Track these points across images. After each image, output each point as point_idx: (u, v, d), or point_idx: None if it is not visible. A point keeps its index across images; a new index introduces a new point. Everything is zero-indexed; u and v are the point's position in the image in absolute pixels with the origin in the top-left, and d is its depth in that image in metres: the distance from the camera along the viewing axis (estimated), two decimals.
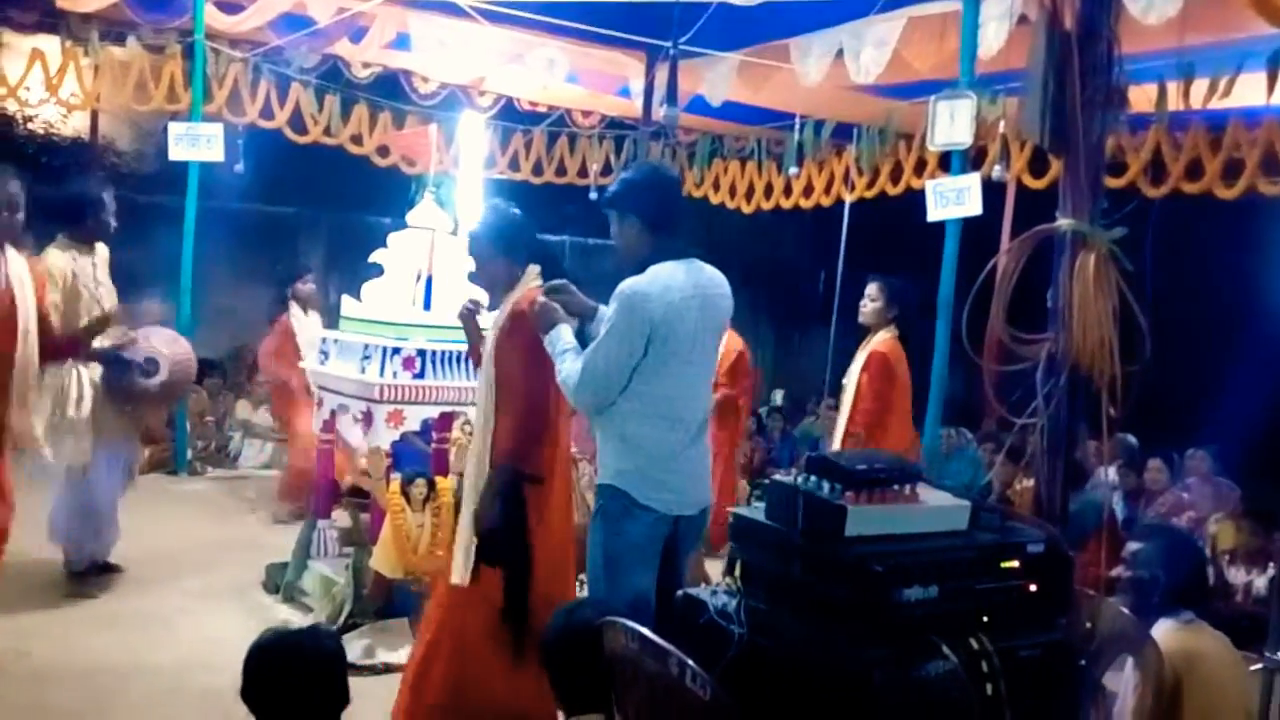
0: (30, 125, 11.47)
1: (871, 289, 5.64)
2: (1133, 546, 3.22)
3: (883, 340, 5.56)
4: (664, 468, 3.38)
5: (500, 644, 3.71)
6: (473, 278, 4.00)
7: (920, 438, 6.05)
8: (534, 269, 3.83)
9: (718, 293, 3.51)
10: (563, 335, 3.47)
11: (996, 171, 6.96)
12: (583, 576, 5.26)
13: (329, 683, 2.59)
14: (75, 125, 11.09)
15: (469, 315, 4.01)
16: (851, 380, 5.67)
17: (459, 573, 3.73)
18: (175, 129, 7.74)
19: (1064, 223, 2.85)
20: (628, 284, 3.33)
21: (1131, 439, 7.55)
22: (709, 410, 3.63)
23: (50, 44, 8.35)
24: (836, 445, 5.63)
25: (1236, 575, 5.68)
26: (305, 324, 7.24)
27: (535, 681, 3.69)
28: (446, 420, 5.34)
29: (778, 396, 11.91)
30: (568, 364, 3.39)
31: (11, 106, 9.82)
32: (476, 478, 3.76)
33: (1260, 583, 5.54)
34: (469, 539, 3.72)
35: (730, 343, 7.11)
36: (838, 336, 8.38)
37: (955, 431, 8.04)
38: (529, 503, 3.69)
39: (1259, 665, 3.10)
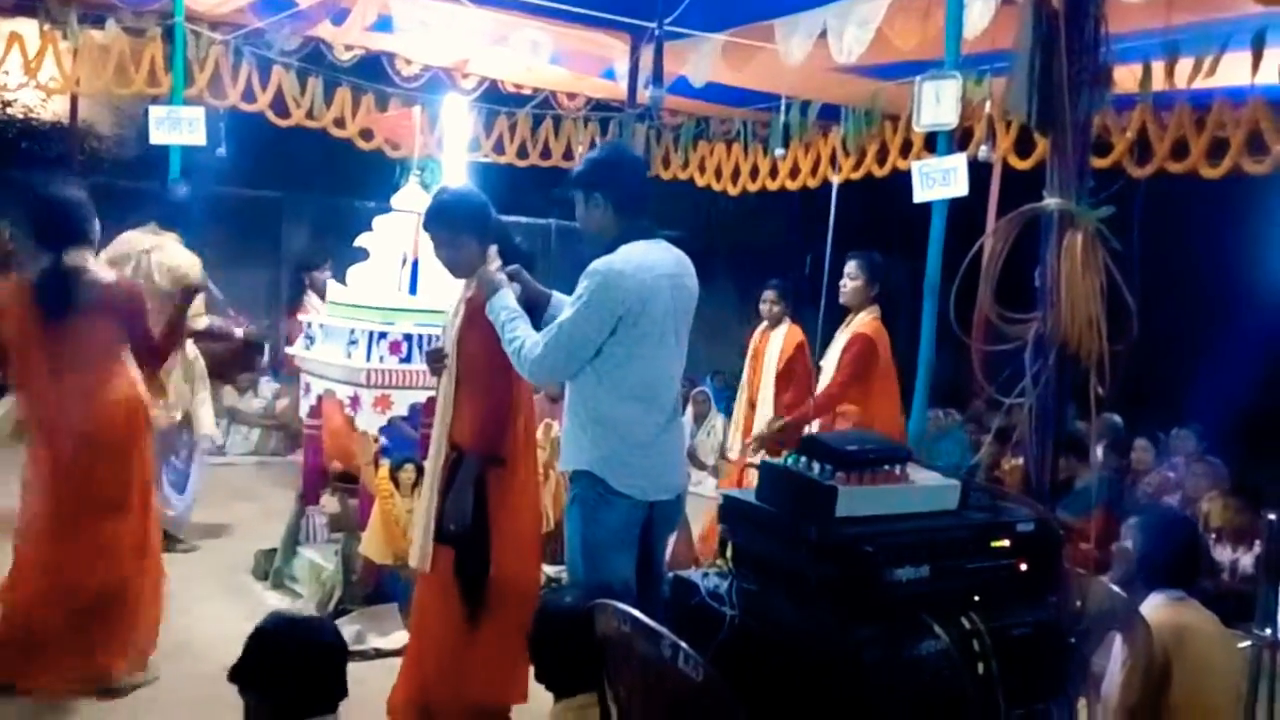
0: (9, 110, 11.36)
1: (850, 267, 5.46)
2: (1129, 523, 3.25)
3: (865, 322, 5.41)
4: (639, 453, 3.38)
5: (456, 623, 3.70)
6: (440, 256, 3.89)
7: (907, 421, 6.00)
8: (493, 250, 3.77)
9: (687, 275, 3.52)
10: (507, 301, 3.46)
11: (983, 152, 6.94)
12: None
13: (333, 671, 2.59)
14: (55, 109, 10.99)
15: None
16: (830, 364, 5.49)
17: (419, 557, 3.74)
18: (156, 112, 7.65)
19: (1051, 202, 2.85)
20: (602, 261, 3.34)
21: (1116, 418, 7.58)
22: (680, 395, 3.64)
23: (28, 27, 8.24)
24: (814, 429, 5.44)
25: (1223, 553, 5.72)
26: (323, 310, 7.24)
27: (495, 660, 3.73)
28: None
29: None
30: (520, 331, 3.39)
31: None
32: (435, 462, 3.75)
33: (1246, 560, 5.58)
34: (428, 522, 3.70)
35: (791, 335, 6.84)
36: (826, 317, 8.36)
37: (944, 413, 8.05)
38: (491, 484, 3.66)
39: (1247, 642, 3.12)
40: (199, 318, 5.78)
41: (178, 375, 5.81)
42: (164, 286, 5.61)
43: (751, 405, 7.14)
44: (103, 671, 4.09)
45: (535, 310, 3.59)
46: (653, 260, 3.40)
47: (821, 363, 5.65)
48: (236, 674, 2.57)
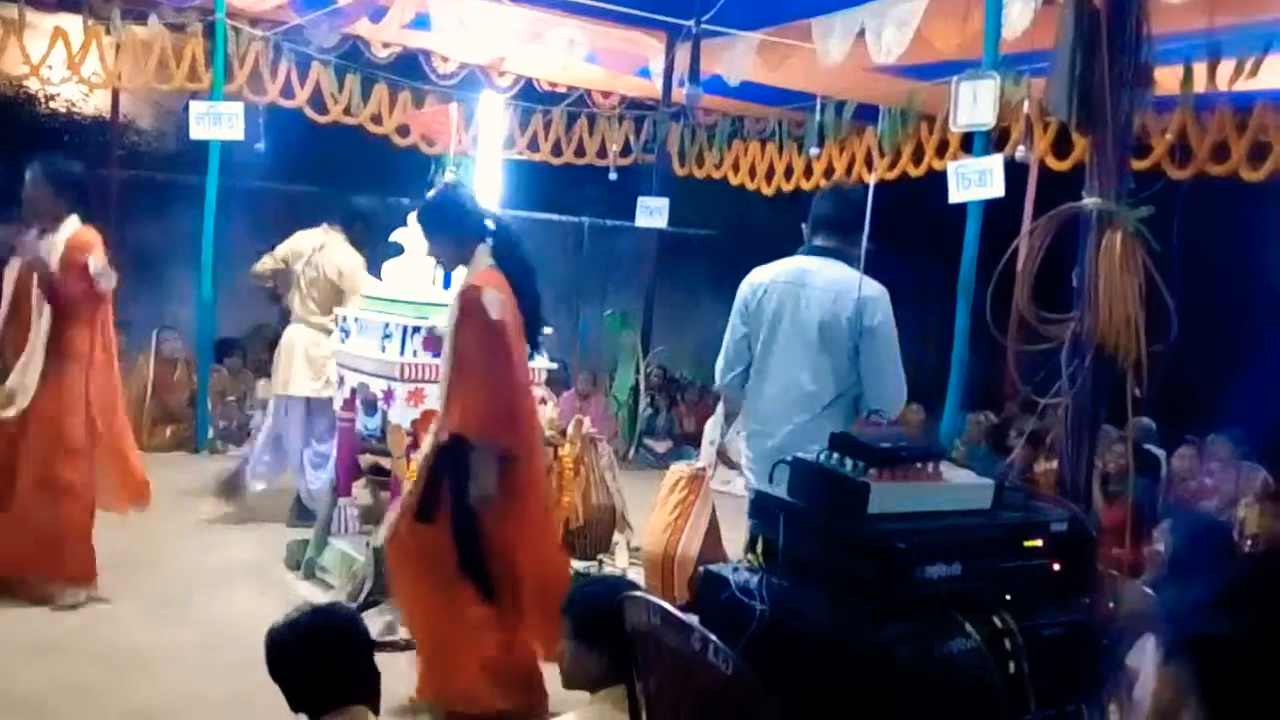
0: (52, 104, 11.48)
1: None
2: (1161, 526, 3.22)
3: None
4: (764, 443, 3.68)
5: (462, 613, 3.81)
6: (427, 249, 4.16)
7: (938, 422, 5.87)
8: (483, 248, 3.91)
9: (834, 288, 3.66)
10: None
11: (1020, 152, 6.90)
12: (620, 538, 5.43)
13: (354, 661, 2.62)
14: (96, 104, 11.10)
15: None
16: None
17: (383, 532, 4.07)
18: (196, 108, 7.76)
19: (1090, 201, 2.82)
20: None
21: (1148, 422, 7.48)
22: (820, 402, 3.73)
23: (72, 22, 8.37)
24: None
25: None
26: None
27: (515, 650, 3.85)
28: None
29: None
30: None
31: (34, 85, 9.87)
32: (427, 444, 3.97)
33: None
34: (406, 501, 3.97)
35: None
36: None
37: (985, 416, 7.99)
38: (503, 481, 3.74)
39: None
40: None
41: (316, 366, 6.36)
42: (333, 279, 6.35)
43: None
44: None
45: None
46: (791, 268, 3.76)
47: None
48: (269, 667, 2.62)
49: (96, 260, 4.71)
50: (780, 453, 3.52)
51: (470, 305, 3.76)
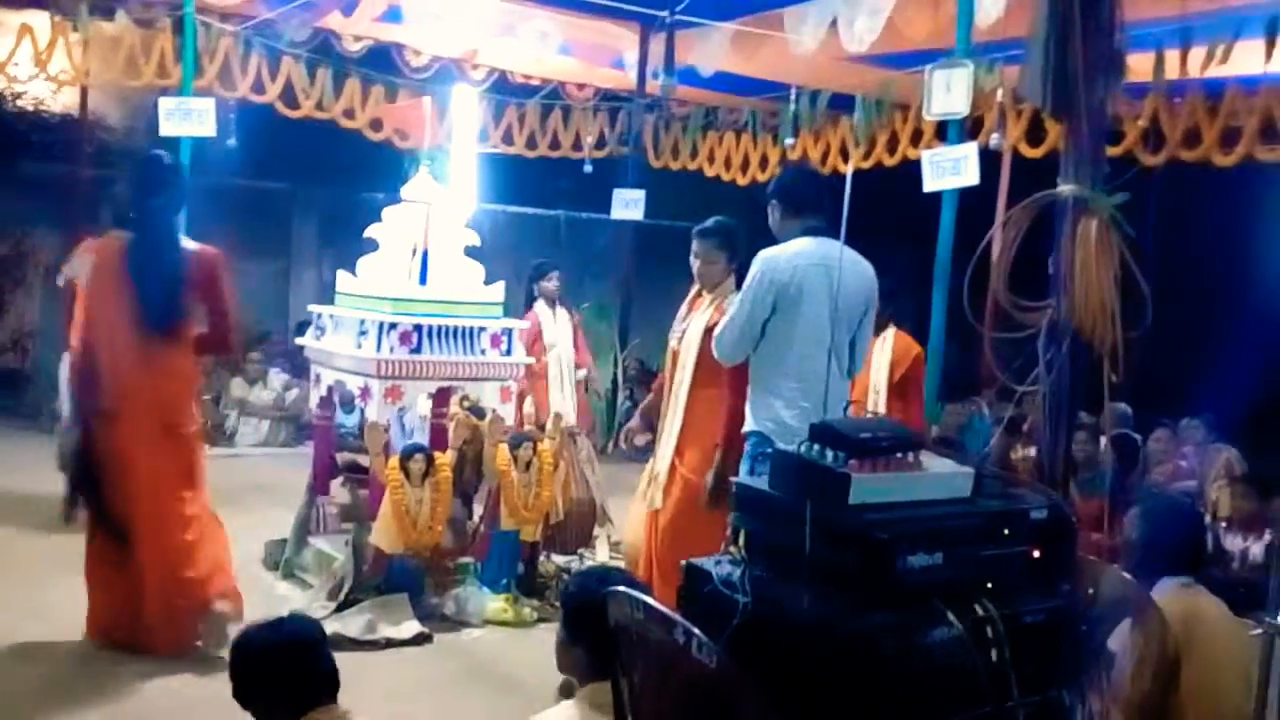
0: (19, 102, 11.32)
1: (696, 245, 4.54)
2: (1133, 512, 3.24)
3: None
4: (798, 416, 3.77)
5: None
6: None
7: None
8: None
9: (850, 268, 3.90)
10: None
11: (994, 140, 6.91)
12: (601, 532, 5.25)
13: (310, 665, 2.61)
14: (65, 101, 10.96)
15: None
16: (690, 348, 4.51)
17: None
18: (166, 104, 7.66)
19: (1066, 188, 2.83)
20: (763, 252, 3.97)
21: (1125, 407, 7.54)
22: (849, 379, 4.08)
23: (39, 19, 8.27)
24: (673, 427, 4.79)
25: (1233, 542, 5.69)
26: (550, 319, 7.01)
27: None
28: (444, 395, 5.34)
29: None
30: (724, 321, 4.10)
31: (0, 83, 9.75)
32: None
33: (1257, 549, 5.54)
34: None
35: (900, 345, 5.87)
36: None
37: (963, 405, 8.00)
38: (98, 432, 4.28)
39: (1259, 630, 3.10)
40: None
41: None
42: None
43: None
44: None
45: None
46: (808, 251, 3.91)
47: (674, 343, 4.71)
48: (239, 693, 2.62)
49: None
50: None
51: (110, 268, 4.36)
